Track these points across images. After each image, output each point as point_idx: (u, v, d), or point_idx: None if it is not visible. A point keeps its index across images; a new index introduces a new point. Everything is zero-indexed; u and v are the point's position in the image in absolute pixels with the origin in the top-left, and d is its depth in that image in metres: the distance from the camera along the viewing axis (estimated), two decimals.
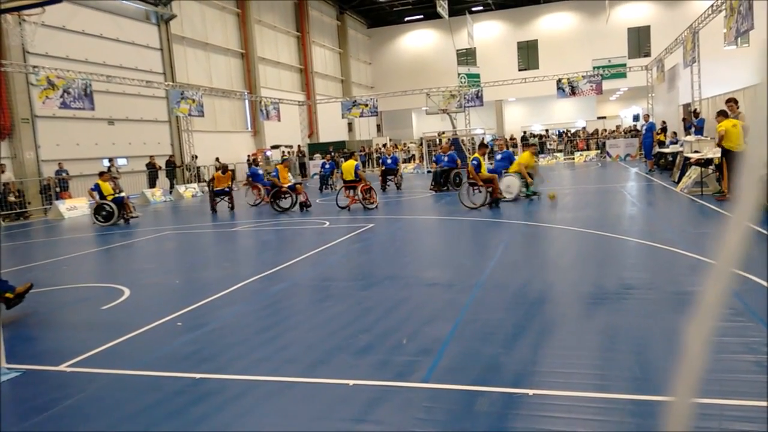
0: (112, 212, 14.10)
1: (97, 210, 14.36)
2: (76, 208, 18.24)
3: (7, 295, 5.60)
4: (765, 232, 6.73)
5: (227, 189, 15.85)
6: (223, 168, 16.60)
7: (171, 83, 24.91)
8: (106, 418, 3.31)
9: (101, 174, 14.97)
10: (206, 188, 25.07)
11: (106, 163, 21.99)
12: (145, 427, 3.13)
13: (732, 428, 2.63)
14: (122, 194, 14.87)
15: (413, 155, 34.12)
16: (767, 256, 5.53)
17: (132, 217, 14.45)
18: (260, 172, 17.14)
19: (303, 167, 33.10)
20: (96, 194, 14.33)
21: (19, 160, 18.78)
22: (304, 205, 14.21)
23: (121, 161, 22.59)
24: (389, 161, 19.86)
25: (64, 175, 19.67)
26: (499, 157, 15.66)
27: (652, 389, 3.10)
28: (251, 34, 31.96)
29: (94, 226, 14.11)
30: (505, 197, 12.60)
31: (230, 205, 15.78)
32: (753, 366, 3.30)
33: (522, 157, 13.67)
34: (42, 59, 19.31)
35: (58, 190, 19.45)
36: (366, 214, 12.59)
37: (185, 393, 3.54)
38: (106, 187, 14.38)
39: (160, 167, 24.18)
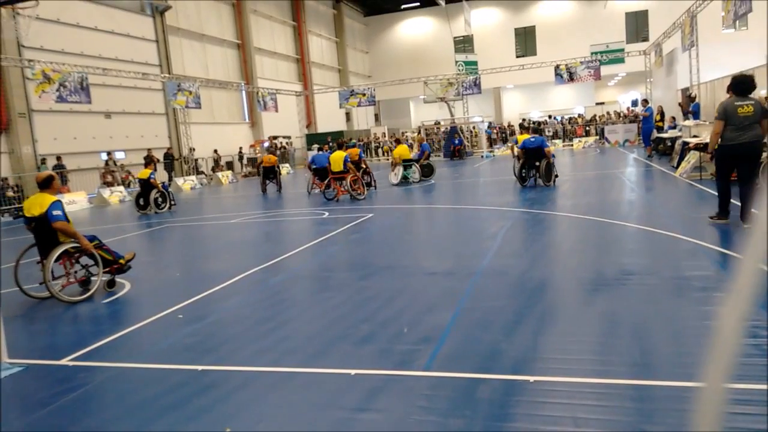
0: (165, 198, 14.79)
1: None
2: (75, 202, 18.21)
3: (121, 261, 6.25)
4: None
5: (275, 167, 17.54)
6: (272, 150, 17.57)
7: (167, 75, 24.78)
8: (110, 410, 3.32)
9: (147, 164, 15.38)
10: (205, 180, 25.16)
11: (104, 156, 21.94)
12: (149, 419, 3.14)
13: (731, 411, 2.64)
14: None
15: (411, 144, 34.00)
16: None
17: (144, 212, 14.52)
18: None
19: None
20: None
21: (17, 154, 18.74)
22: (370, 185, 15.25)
23: (119, 155, 22.53)
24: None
25: (62, 169, 19.62)
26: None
27: (652, 374, 3.12)
28: (247, 25, 31.74)
29: (92, 220, 14.06)
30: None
31: (278, 188, 17.69)
32: (753, 350, 3.32)
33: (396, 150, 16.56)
34: (37, 53, 19.20)
35: None
36: (365, 204, 12.58)
37: (188, 385, 3.55)
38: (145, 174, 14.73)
39: (158, 160, 24.08)
